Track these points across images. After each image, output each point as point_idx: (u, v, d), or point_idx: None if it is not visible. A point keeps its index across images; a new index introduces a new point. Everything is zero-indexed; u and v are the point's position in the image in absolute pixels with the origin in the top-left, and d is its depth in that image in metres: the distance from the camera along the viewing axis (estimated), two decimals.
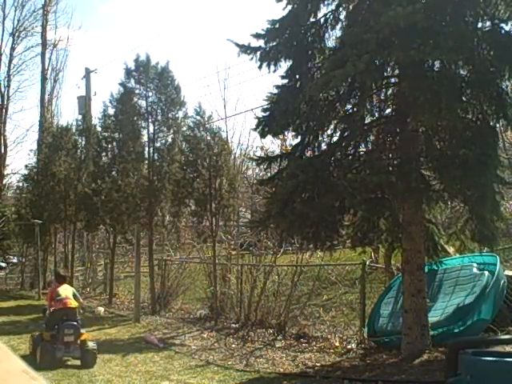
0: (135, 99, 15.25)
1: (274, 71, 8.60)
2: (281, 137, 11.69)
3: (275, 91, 8.73)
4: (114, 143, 15.96)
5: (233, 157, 15.61)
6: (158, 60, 15.38)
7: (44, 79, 33.42)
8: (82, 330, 9.39)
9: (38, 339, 9.43)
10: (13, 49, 32.49)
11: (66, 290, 9.57)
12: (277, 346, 10.17)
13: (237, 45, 8.59)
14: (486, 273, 8.66)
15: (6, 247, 26.01)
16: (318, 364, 8.72)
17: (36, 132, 33.24)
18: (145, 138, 15.43)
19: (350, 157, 8.48)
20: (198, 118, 13.61)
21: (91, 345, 9.30)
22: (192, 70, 38.05)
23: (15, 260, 26.63)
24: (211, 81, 77.10)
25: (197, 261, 15.54)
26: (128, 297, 17.03)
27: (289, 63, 8.52)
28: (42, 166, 20.99)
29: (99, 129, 17.26)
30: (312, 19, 8.34)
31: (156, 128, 15.19)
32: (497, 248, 9.20)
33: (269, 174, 10.00)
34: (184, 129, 15.18)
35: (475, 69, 7.41)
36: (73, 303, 9.40)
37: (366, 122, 8.54)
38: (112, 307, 16.05)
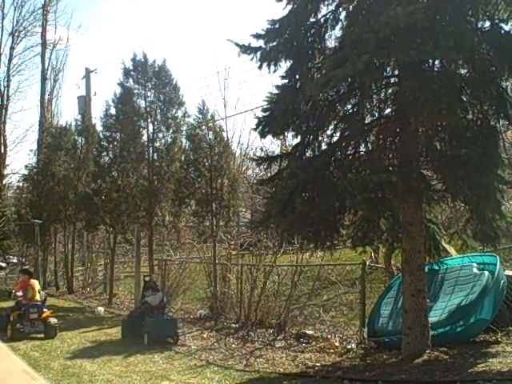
0: (134, 99, 15.26)
1: (274, 71, 8.59)
2: (281, 137, 11.68)
3: (275, 91, 8.72)
4: (115, 143, 15.97)
5: (233, 157, 15.56)
6: (155, 58, 15.42)
7: (44, 79, 33.45)
8: (45, 309, 11.80)
9: (6, 318, 11.71)
10: (12, 48, 32.56)
11: (34, 290, 12.05)
12: (277, 345, 10.16)
13: (237, 45, 8.58)
14: (486, 273, 8.65)
15: (6, 247, 26.03)
16: (318, 364, 8.71)
17: (36, 132, 33.31)
18: (144, 138, 15.44)
19: (350, 157, 8.47)
20: (201, 116, 13.60)
21: (52, 320, 11.70)
22: (192, 70, 38.12)
23: (15, 260, 26.64)
24: (211, 81, 77.14)
25: (197, 261, 15.54)
26: (128, 297, 17.03)
27: (289, 63, 8.51)
28: (42, 166, 21.01)
29: (100, 128, 17.28)
30: (312, 19, 8.33)
31: (155, 128, 15.21)
32: (498, 247, 9.21)
33: (269, 174, 9.99)
34: (184, 128, 15.20)
35: (475, 68, 7.41)
36: (37, 298, 12.00)
37: (366, 121, 8.53)
38: (112, 307, 16.05)
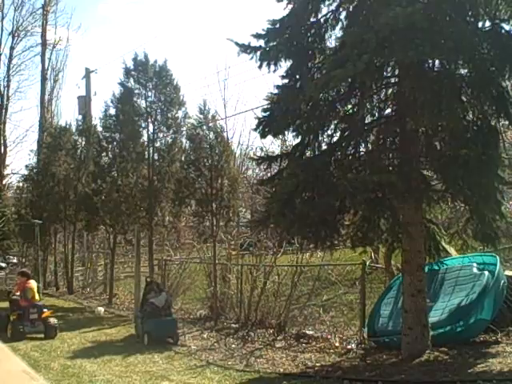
0: (135, 99, 15.26)
1: (274, 71, 8.59)
2: (281, 137, 11.67)
3: (275, 91, 8.72)
4: (115, 143, 15.97)
5: (233, 157, 15.55)
6: (156, 59, 15.39)
7: (44, 79, 33.46)
8: (45, 310, 11.88)
9: (6, 318, 11.73)
10: (12, 49, 32.60)
11: (33, 291, 12.05)
12: (277, 346, 10.16)
13: (237, 44, 8.59)
14: (486, 273, 8.66)
15: (6, 247, 25.99)
16: (318, 364, 8.71)
17: (36, 132, 33.34)
18: (145, 138, 15.45)
19: (350, 157, 8.47)
20: (202, 116, 13.58)
21: (52, 320, 11.73)
22: (192, 70, 38.11)
23: (15, 260, 26.63)
24: (211, 81, 77.04)
25: (197, 261, 15.54)
26: (128, 297, 17.02)
27: (289, 63, 8.51)
28: (42, 166, 21.01)
29: (100, 129, 17.27)
30: (312, 19, 8.33)
31: (155, 128, 15.20)
32: (498, 247, 9.21)
33: (269, 174, 9.99)
34: (184, 128, 15.20)
35: (475, 68, 7.41)
36: (37, 298, 12.13)
37: (366, 122, 8.53)
38: (112, 307, 16.05)
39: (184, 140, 15.20)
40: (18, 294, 12.05)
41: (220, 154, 13.10)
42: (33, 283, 12.46)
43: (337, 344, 9.70)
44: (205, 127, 13.52)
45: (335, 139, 8.58)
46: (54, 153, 20.26)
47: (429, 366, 7.51)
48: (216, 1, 59.85)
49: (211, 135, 13.35)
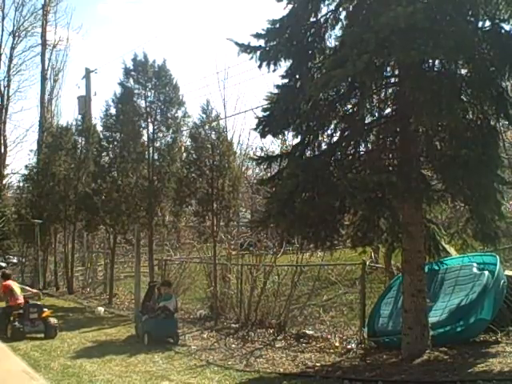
0: (134, 99, 15.26)
1: (274, 71, 8.59)
2: (281, 137, 11.67)
3: (275, 91, 8.72)
4: (115, 143, 15.97)
5: (234, 157, 15.55)
6: (155, 59, 15.41)
7: (44, 79, 33.53)
8: (45, 309, 11.92)
9: (6, 318, 11.59)
10: (13, 49, 32.74)
11: (13, 290, 12.09)
12: (277, 345, 10.16)
13: (237, 44, 8.58)
14: (486, 273, 8.65)
15: (6, 247, 26.02)
16: (318, 364, 8.71)
17: (36, 132, 33.39)
18: (145, 138, 15.45)
19: (350, 156, 8.48)
20: (204, 116, 13.56)
21: (52, 320, 11.78)
22: (192, 70, 38.10)
23: (15, 260, 26.64)
24: (211, 81, 77.03)
25: (197, 261, 15.54)
26: (128, 297, 17.03)
27: (289, 63, 8.51)
28: (42, 166, 21.03)
29: (100, 128, 17.28)
30: (312, 19, 8.33)
31: (155, 128, 15.21)
32: (498, 247, 9.21)
33: (269, 174, 9.99)
34: (184, 128, 15.20)
35: (475, 68, 7.42)
36: (23, 300, 12.00)
37: (366, 121, 8.53)
38: (112, 307, 16.05)
39: (185, 139, 15.23)
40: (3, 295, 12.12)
41: (222, 153, 13.09)
42: (12, 283, 12.45)
43: (337, 344, 9.70)
44: (207, 127, 13.51)
45: (335, 139, 8.58)
46: (54, 153, 20.26)
47: (429, 365, 7.50)
48: (216, 1, 59.87)
49: (213, 135, 13.34)
